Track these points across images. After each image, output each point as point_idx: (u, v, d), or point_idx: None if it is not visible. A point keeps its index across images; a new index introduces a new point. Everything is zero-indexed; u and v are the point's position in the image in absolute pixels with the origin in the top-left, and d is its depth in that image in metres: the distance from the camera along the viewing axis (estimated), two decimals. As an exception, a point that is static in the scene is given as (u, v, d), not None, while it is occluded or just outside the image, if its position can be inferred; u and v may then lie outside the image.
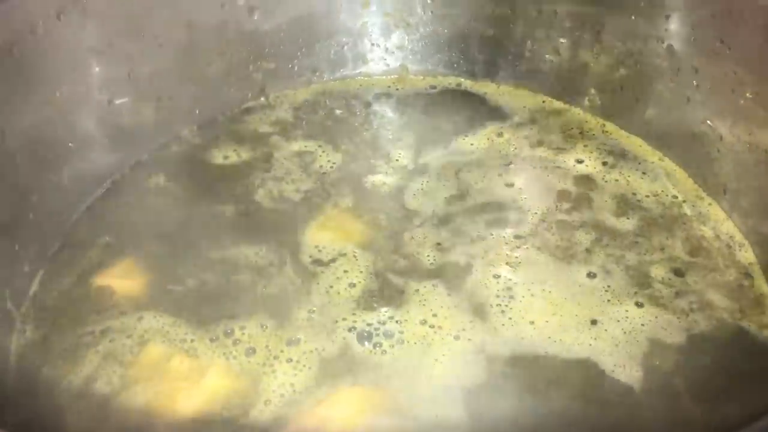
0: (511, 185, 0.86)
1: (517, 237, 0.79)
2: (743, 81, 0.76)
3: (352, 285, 0.75)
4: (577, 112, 0.96)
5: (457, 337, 0.69)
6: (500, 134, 0.93)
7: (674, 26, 0.83)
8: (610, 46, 0.91)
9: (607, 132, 0.93)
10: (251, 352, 0.69)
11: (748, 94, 0.75)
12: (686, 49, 0.82)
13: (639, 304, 0.72)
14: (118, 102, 0.86)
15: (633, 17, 0.87)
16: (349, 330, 0.70)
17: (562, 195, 0.84)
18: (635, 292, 0.73)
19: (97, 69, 0.83)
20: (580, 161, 0.88)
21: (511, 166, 0.88)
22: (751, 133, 0.76)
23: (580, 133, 0.93)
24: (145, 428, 0.64)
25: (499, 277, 0.75)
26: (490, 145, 0.91)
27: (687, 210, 0.82)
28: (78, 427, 0.65)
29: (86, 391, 0.67)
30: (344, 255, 0.77)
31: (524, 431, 0.63)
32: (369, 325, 0.71)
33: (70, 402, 0.66)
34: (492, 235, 0.80)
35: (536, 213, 0.82)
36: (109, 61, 0.84)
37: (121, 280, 0.76)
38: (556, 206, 0.82)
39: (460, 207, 0.83)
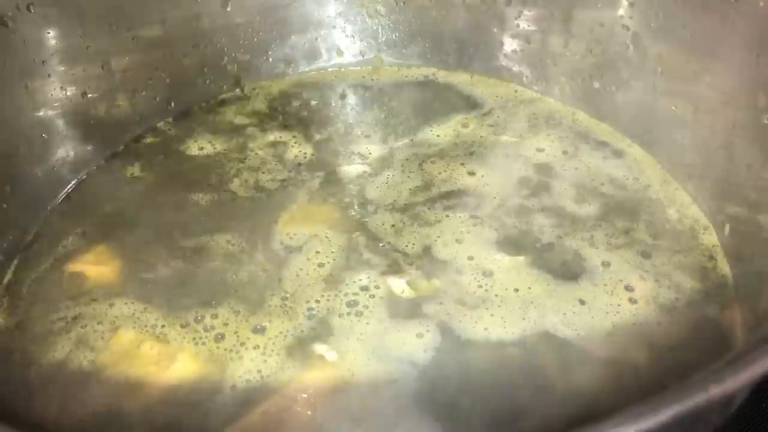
0: (473, 174, 0.87)
1: (473, 217, 0.81)
2: (703, 66, 0.77)
3: (321, 265, 0.76)
4: (548, 101, 0.98)
5: (421, 314, 0.71)
6: (465, 125, 0.94)
7: (638, 13, 0.84)
8: (579, 35, 0.92)
9: (577, 120, 0.94)
10: (220, 338, 0.70)
11: (708, 79, 0.77)
12: (650, 37, 0.83)
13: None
14: (91, 95, 0.88)
15: (599, 5, 0.88)
16: (317, 311, 0.72)
17: (523, 182, 0.85)
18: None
19: (69, 62, 0.84)
20: (541, 149, 0.89)
21: (474, 155, 0.89)
22: (712, 117, 0.77)
23: (547, 121, 0.94)
24: (114, 412, 0.65)
25: (459, 258, 0.76)
26: (456, 135, 0.93)
27: (652, 194, 0.83)
28: (49, 411, 0.66)
29: (57, 376, 0.68)
30: (314, 241, 0.79)
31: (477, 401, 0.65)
32: (336, 304, 0.72)
33: (42, 387, 0.67)
34: (448, 217, 0.81)
35: (495, 198, 0.83)
36: (82, 53, 0.85)
37: (94, 266, 0.77)
38: (516, 192, 0.84)
39: (423, 197, 0.84)
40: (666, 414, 0.31)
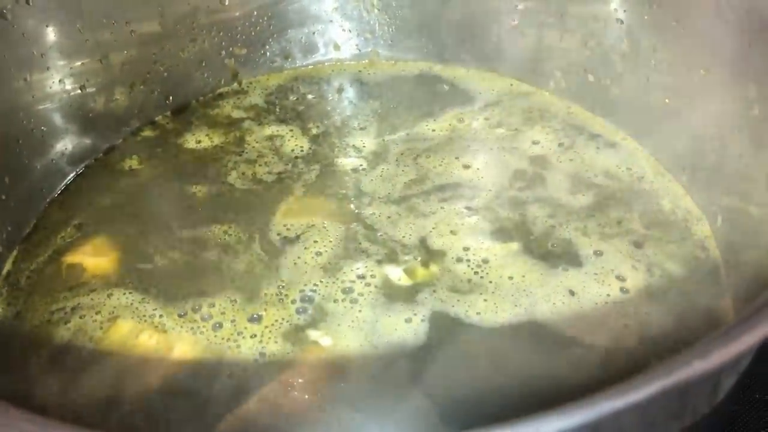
0: (468, 167, 0.87)
1: (468, 208, 0.81)
2: (697, 59, 0.78)
3: (318, 254, 0.77)
4: (544, 95, 0.98)
5: (416, 300, 0.72)
6: (461, 119, 0.95)
7: (632, 7, 0.85)
8: (574, 29, 0.93)
9: (572, 113, 0.95)
10: (218, 326, 0.71)
11: (701, 72, 0.77)
12: (644, 30, 0.84)
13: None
14: (90, 89, 0.88)
15: (594, -1, 0.89)
16: (312, 298, 0.72)
17: (517, 174, 0.86)
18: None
19: (68, 55, 0.85)
20: (536, 142, 0.90)
21: (470, 149, 0.90)
22: (705, 110, 0.78)
23: (542, 115, 0.94)
24: (113, 401, 0.66)
25: (454, 248, 0.77)
26: (451, 129, 0.93)
27: (646, 186, 0.84)
28: (48, 400, 0.66)
29: (57, 366, 0.68)
30: (311, 231, 0.79)
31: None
32: (332, 291, 0.73)
33: (41, 376, 0.68)
34: (443, 209, 0.82)
35: (490, 190, 0.84)
36: (80, 47, 0.86)
37: (92, 257, 0.78)
38: (510, 184, 0.84)
39: (418, 189, 0.85)
40: (652, 388, 0.32)
